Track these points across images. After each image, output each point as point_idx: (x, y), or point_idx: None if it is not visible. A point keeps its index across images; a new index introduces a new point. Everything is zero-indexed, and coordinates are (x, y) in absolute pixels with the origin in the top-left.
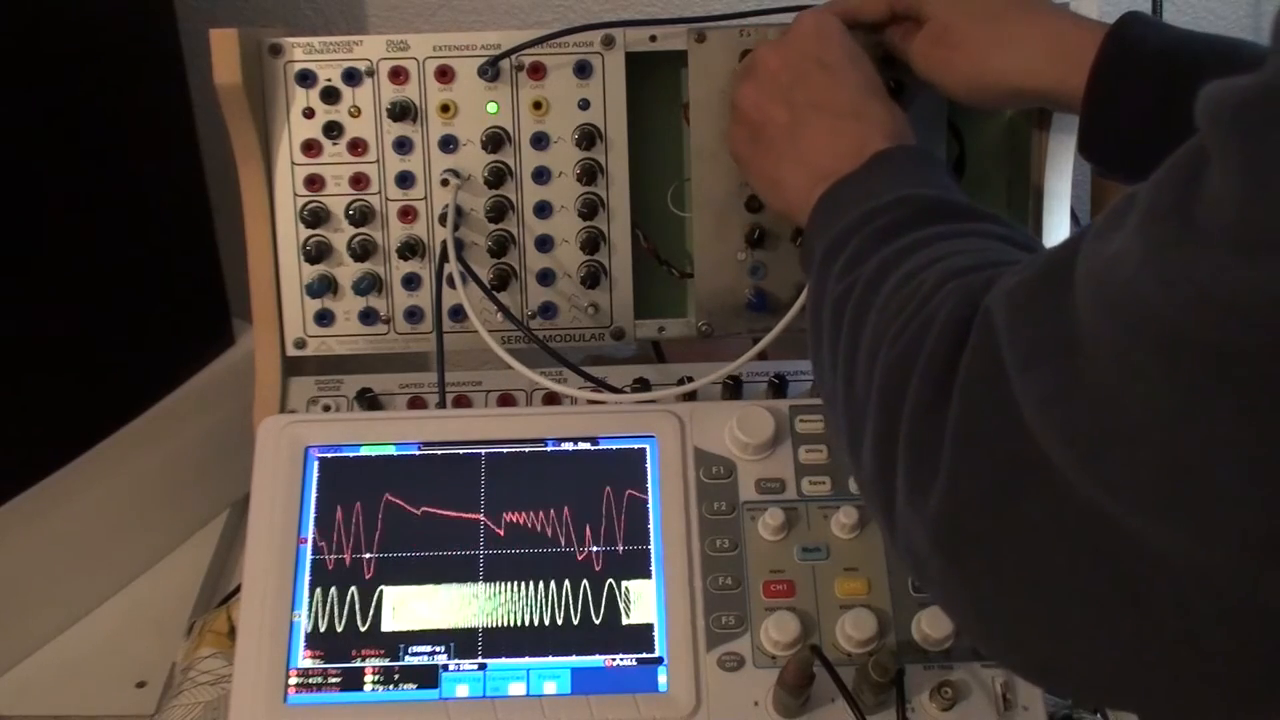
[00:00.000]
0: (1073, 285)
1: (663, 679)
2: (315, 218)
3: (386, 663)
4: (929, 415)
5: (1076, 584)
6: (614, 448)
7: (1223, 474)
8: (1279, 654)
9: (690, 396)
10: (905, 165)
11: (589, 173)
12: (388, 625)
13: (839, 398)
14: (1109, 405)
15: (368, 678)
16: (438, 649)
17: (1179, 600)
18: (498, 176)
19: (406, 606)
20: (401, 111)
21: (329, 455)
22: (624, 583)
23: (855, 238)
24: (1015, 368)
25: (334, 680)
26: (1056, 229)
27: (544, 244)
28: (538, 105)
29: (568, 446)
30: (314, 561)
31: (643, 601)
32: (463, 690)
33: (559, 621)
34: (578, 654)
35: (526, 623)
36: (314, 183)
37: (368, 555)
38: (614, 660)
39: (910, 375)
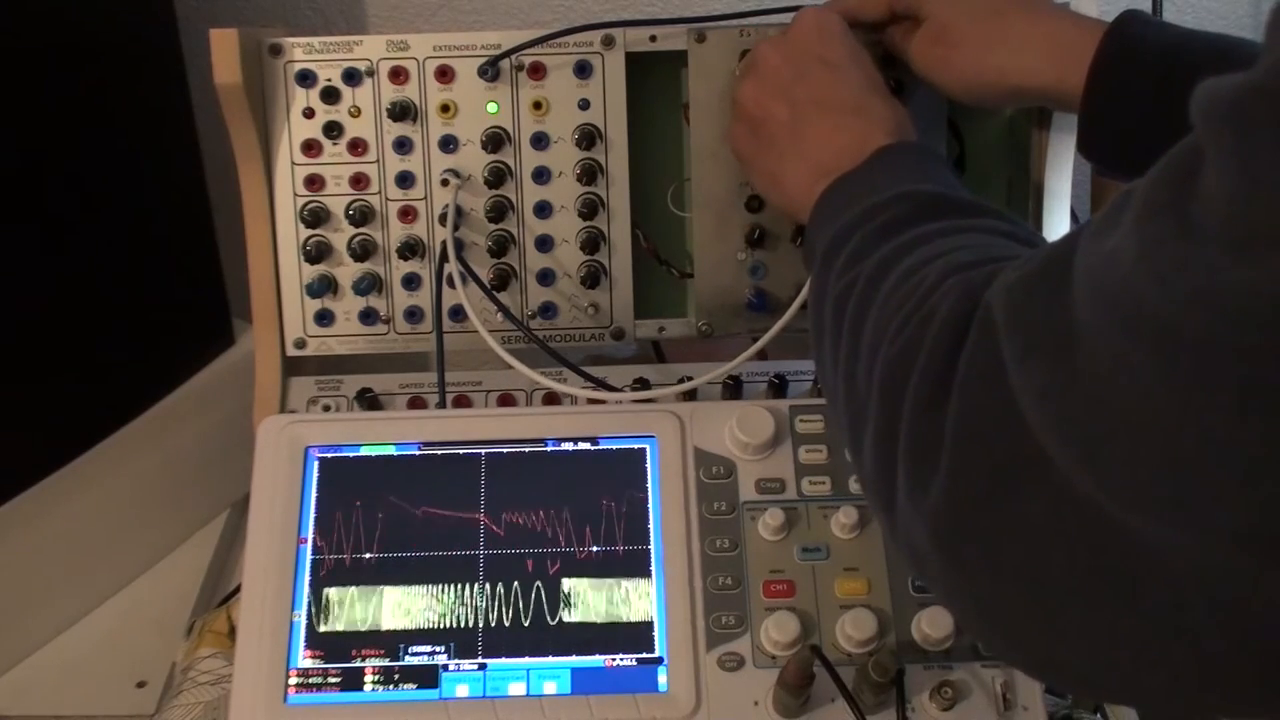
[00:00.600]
0: (1071, 281)
1: (663, 679)
2: (315, 218)
3: (386, 663)
4: (929, 412)
5: (1075, 581)
6: (614, 448)
7: (1219, 472)
8: (1277, 652)
9: (690, 396)
10: (907, 161)
11: (589, 173)
12: (388, 625)
13: (840, 395)
14: (1106, 402)
15: (368, 678)
16: (438, 649)
17: (1177, 598)
18: (498, 176)
19: (406, 606)
20: (401, 111)
21: (329, 455)
22: (624, 583)
23: (856, 234)
24: (1014, 363)
25: (334, 680)
26: (1056, 228)
27: (544, 244)
28: (538, 105)
29: (568, 446)
30: (314, 561)
31: (643, 601)
32: (463, 690)
33: (559, 621)
34: (578, 654)
35: (526, 623)
36: (314, 183)
37: (368, 555)
38: (614, 660)
39: (911, 372)
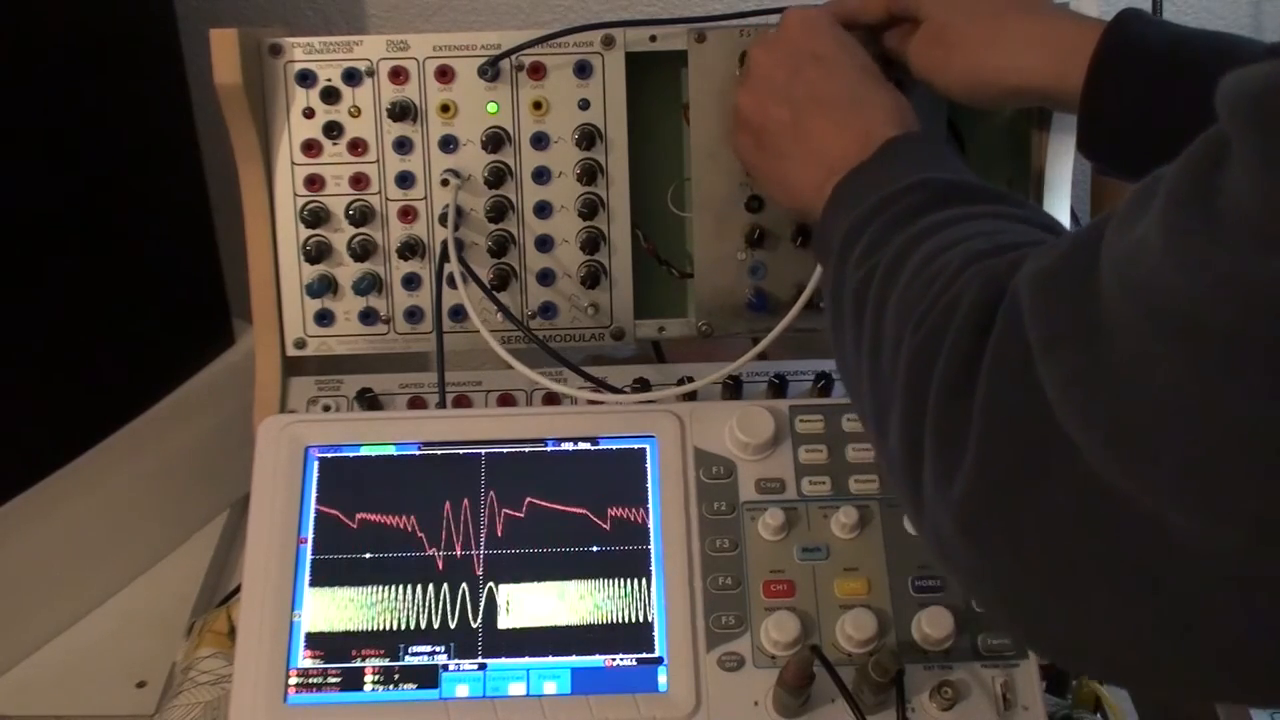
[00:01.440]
0: (1097, 270)
1: (663, 679)
2: (315, 218)
3: (386, 663)
4: (955, 399)
5: (1098, 567)
6: (614, 448)
7: (1244, 462)
8: None
9: (690, 396)
10: (917, 151)
11: (589, 173)
12: (388, 625)
13: (864, 386)
14: (1131, 390)
15: (368, 678)
16: (438, 649)
17: (1199, 585)
18: (498, 176)
19: (406, 606)
20: (401, 111)
21: (329, 455)
22: (624, 583)
23: (873, 224)
24: (1040, 350)
25: (334, 680)
26: None
27: (544, 244)
28: (538, 105)
29: (568, 446)
30: (314, 561)
31: (643, 601)
32: (463, 690)
33: (559, 622)
34: (578, 654)
35: (526, 623)
36: (314, 183)
37: (368, 555)
38: (614, 660)
39: (936, 359)
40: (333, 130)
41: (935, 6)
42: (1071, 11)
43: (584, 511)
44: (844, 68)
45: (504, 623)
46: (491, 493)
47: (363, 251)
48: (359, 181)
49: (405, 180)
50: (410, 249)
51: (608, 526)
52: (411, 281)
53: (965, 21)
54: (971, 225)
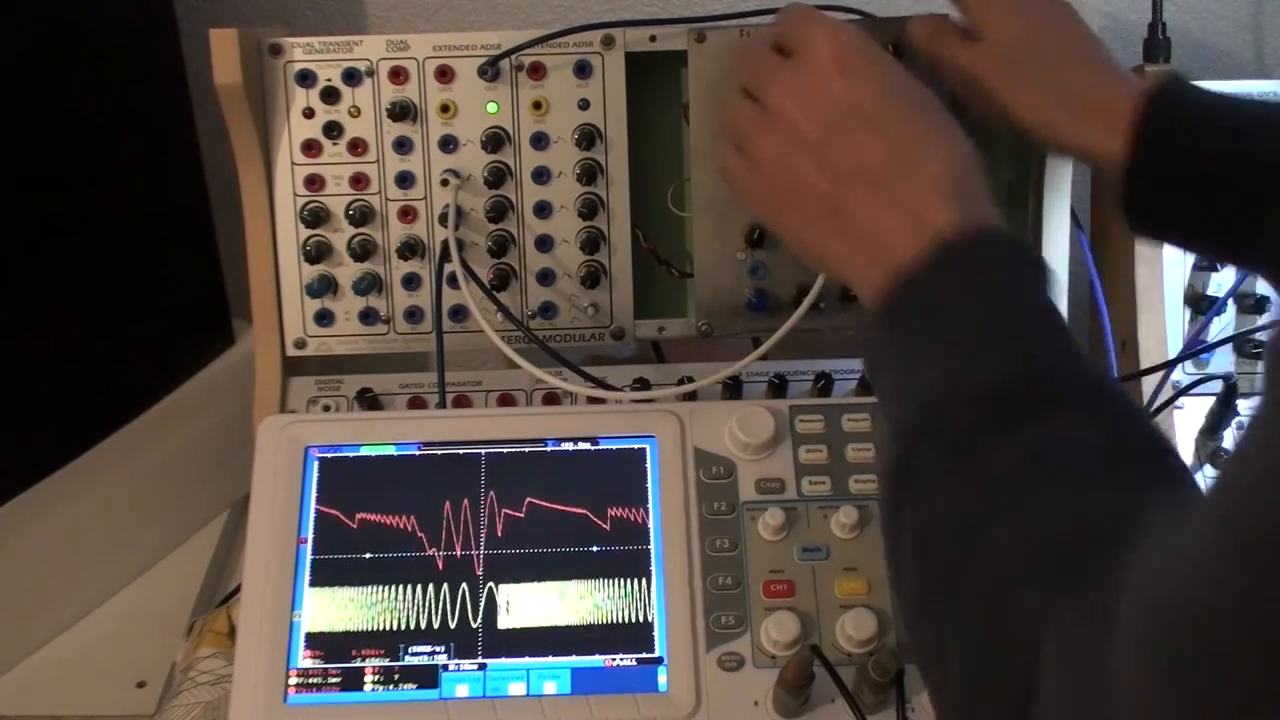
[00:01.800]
0: (1118, 622)
1: (663, 679)
2: (315, 218)
3: (386, 663)
4: None
5: None
6: (614, 448)
7: None
8: None
9: (690, 396)
10: (976, 267)
11: (589, 173)
12: (388, 625)
13: (925, 669)
14: None
15: (368, 678)
16: (438, 649)
17: None
18: (498, 176)
19: (406, 606)
20: (401, 111)
21: (329, 455)
22: (624, 583)
23: (937, 441)
24: None
25: (334, 680)
26: (1056, 230)
27: (544, 244)
28: (538, 105)
29: (568, 446)
30: (314, 561)
31: (643, 601)
32: (463, 690)
33: (559, 622)
34: (578, 654)
35: (526, 623)
36: (314, 183)
37: (368, 555)
38: (614, 660)
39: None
40: (333, 130)
41: (1004, 30)
42: (1120, 67)
43: (584, 511)
44: (888, 115)
45: (504, 623)
46: (491, 493)
47: (363, 251)
48: (359, 181)
49: (405, 180)
50: (410, 249)
51: (608, 526)
52: (411, 281)
53: (1034, 64)
54: (1056, 492)
